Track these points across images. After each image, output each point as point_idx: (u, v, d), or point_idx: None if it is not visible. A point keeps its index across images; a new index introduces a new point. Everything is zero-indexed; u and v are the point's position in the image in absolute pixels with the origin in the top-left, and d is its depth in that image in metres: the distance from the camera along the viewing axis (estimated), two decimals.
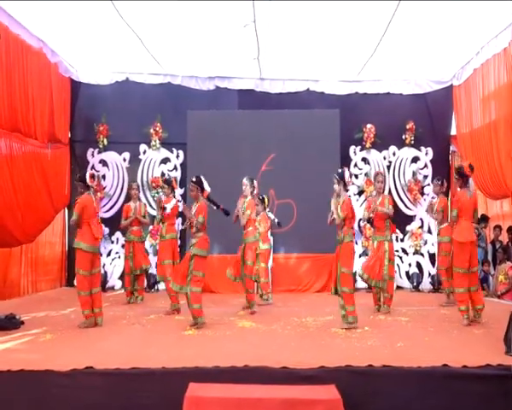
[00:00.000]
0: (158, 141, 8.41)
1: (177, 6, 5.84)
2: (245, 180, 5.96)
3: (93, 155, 8.52)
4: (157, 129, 8.39)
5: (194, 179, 4.99)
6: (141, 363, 3.52)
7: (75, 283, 8.06)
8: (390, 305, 5.72)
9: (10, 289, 6.85)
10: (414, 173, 8.46)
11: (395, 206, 6.76)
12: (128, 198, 7.51)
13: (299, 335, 4.61)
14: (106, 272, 8.18)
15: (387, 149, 8.52)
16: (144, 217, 6.87)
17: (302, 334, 4.65)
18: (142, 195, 8.29)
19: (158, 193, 8.30)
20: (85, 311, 5.01)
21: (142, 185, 8.42)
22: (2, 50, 5.94)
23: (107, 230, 8.30)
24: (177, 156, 8.51)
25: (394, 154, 8.56)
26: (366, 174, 8.46)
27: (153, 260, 8.14)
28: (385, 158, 8.55)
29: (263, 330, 4.81)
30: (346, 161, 8.31)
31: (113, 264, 8.28)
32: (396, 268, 8.02)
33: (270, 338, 4.47)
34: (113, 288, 8.14)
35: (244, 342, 4.34)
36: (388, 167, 8.51)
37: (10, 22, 6.16)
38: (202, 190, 4.95)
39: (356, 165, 8.54)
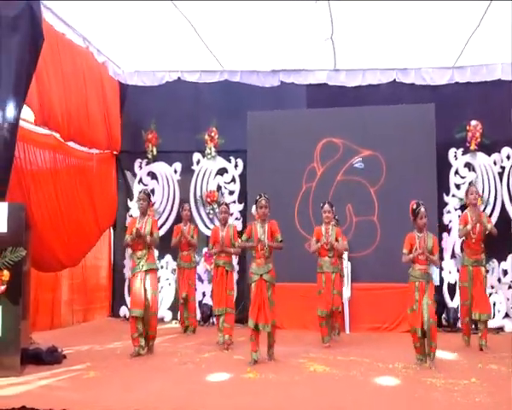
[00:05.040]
0: (213, 149, 8.67)
1: None
2: (327, 206, 6.35)
3: (141, 166, 8.97)
4: (212, 134, 8.66)
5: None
6: (194, 409, 3.63)
7: (121, 313, 8.66)
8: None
9: (53, 319, 7.38)
10: None
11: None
12: (179, 219, 7.82)
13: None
14: None
15: (499, 151, 8.10)
16: (192, 237, 7.30)
17: None
18: (195, 211, 8.59)
19: (213, 209, 8.54)
20: None
21: (196, 201, 8.69)
22: (55, 53, 6.47)
23: (156, 252, 8.68)
24: (236, 166, 8.71)
25: (508, 157, 8.11)
26: (471, 183, 8.08)
27: (207, 287, 8.37)
28: (495, 163, 8.13)
29: (339, 377, 4.77)
30: (444, 167, 8.05)
31: (163, 292, 8.54)
32: (508, 303, 7.66)
33: (347, 387, 4.42)
34: (162, 320, 8.44)
35: (316, 389, 4.32)
36: (500, 175, 8.08)
37: (54, 21, 6.72)
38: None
39: (457, 172, 8.20)
